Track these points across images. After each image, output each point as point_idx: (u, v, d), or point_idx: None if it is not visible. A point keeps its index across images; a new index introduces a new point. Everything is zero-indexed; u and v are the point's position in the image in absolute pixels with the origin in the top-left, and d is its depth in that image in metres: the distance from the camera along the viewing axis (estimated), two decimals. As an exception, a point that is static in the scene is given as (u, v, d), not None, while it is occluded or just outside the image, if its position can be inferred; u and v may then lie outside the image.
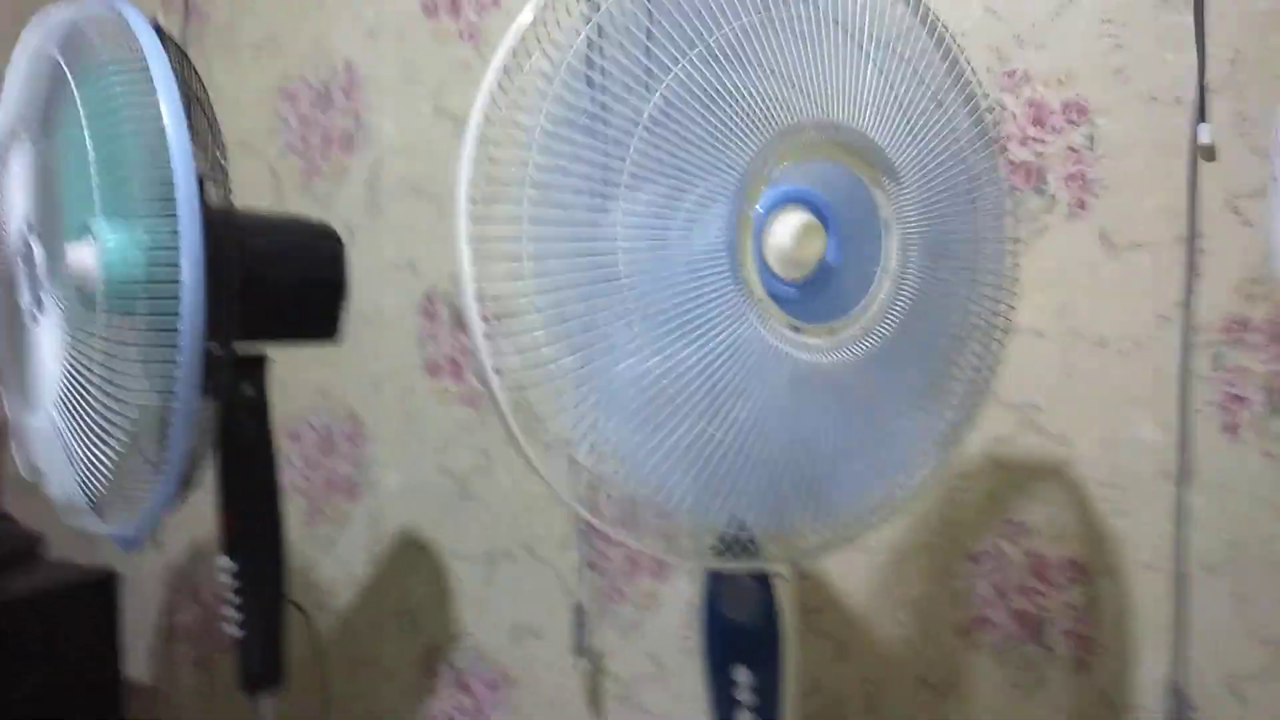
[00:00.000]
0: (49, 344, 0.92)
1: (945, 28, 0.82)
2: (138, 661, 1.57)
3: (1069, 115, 1.10)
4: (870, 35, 0.78)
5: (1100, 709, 1.12)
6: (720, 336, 0.74)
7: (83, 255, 0.86)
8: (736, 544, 0.82)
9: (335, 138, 1.43)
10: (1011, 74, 1.11)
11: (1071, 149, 1.10)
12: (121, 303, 0.84)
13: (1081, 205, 1.10)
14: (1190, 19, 1.05)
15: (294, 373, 1.42)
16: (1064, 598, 1.13)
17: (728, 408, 0.76)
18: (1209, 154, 1.04)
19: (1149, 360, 1.09)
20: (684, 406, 0.76)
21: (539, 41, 0.78)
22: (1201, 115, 1.04)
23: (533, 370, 0.78)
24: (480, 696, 1.36)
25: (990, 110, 0.82)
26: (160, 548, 1.56)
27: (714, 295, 0.74)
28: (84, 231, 0.86)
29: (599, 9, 0.77)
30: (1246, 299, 1.04)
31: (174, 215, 0.81)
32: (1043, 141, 1.10)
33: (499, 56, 0.79)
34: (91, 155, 0.84)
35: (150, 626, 1.58)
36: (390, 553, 1.41)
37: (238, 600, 1.05)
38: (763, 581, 0.86)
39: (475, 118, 0.80)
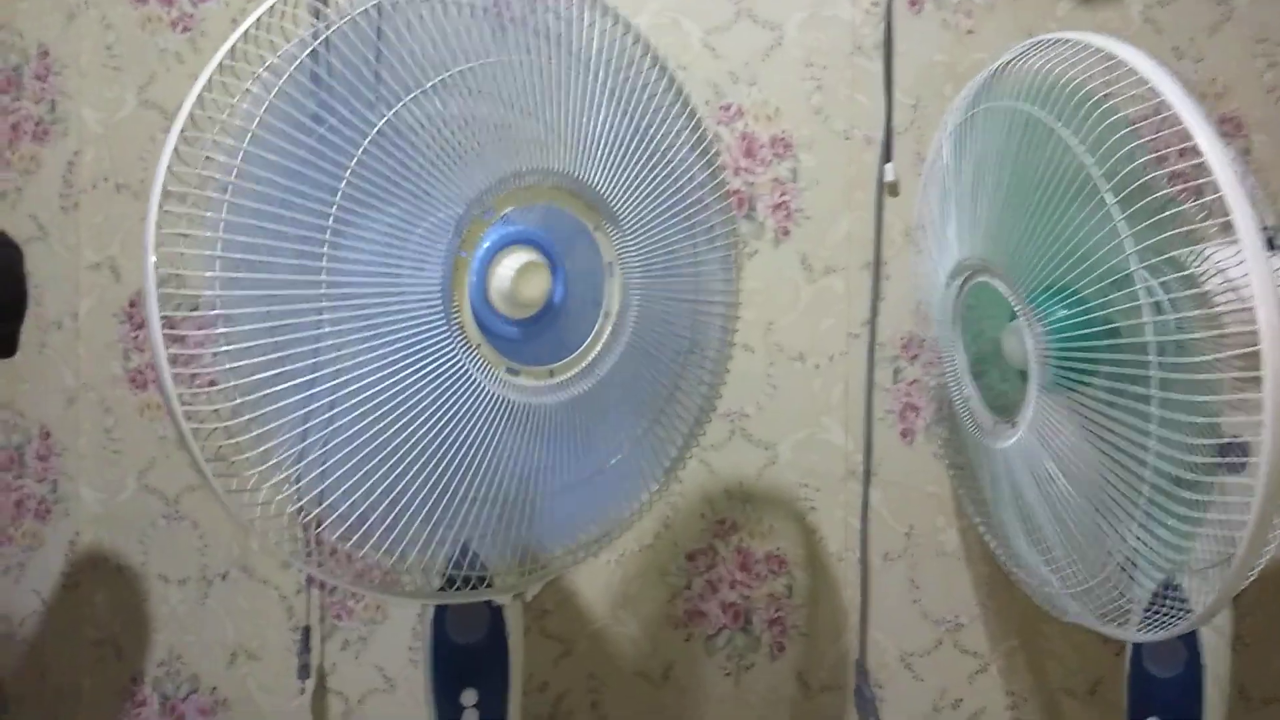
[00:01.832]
0: None
1: (675, 77, 0.83)
2: None
3: (776, 149, 1.16)
4: (605, 83, 0.79)
5: (797, 689, 1.19)
6: (429, 380, 0.73)
7: None
8: (464, 578, 0.81)
9: (26, 126, 1.26)
10: (727, 108, 1.16)
11: (777, 180, 1.16)
12: None
13: (785, 232, 1.16)
14: (880, 66, 1.14)
15: (-28, 384, 1.25)
16: (767, 589, 1.19)
17: (442, 449, 0.74)
18: (893, 190, 1.13)
19: (840, 373, 1.17)
20: (395, 445, 0.74)
21: (266, 40, 0.73)
22: (887, 155, 1.13)
23: (230, 386, 0.72)
24: (194, 723, 1.26)
25: (718, 154, 0.84)
26: None
27: (424, 337, 0.72)
28: None
29: (330, 22, 0.72)
30: (921, 320, 1.14)
31: None
32: (753, 172, 1.16)
33: (223, 49, 0.73)
34: None
35: None
36: (88, 577, 1.27)
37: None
38: (492, 604, 0.85)
39: (185, 108, 0.73)
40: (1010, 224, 0.74)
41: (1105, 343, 0.69)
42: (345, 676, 1.22)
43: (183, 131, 0.73)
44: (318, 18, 0.77)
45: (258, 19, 0.75)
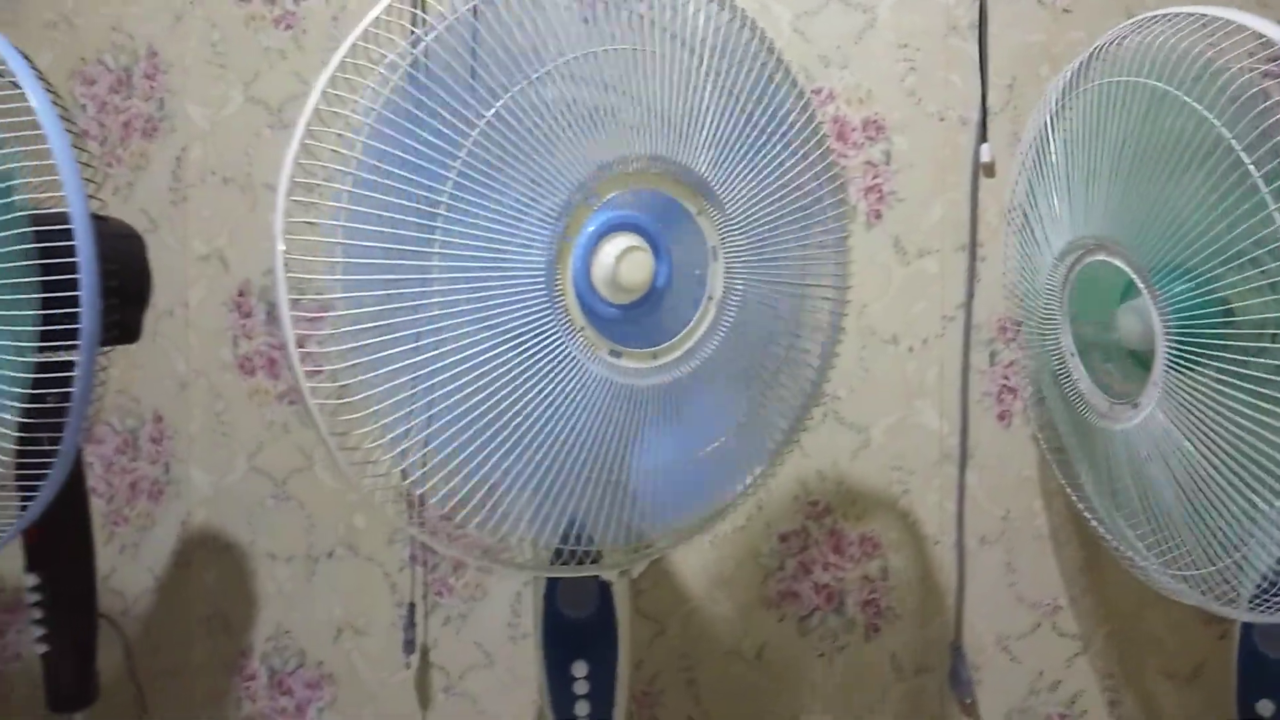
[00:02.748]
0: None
1: (783, 58, 0.84)
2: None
3: (868, 132, 1.16)
4: (709, 66, 0.80)
5: (890, 670, 1.19)
6: (534, 360, 0.75)
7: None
8: (574, 553, 0.83)
9: (136, 124, 1.31)
10: (818, 92, 1.16)
11: (870, 163, 1.16)
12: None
13: (878, 215, 1.16)
14: (974, 47, 1.13)
15: (92, 370, 1.30)
16: (860, 570, 1.20)
17: (545, 427, 0.76)
18: (989, 171, 1.13)
19: (935, 356, 1.17)
20: (501, 423, 0.76)
21: (385, 39, 0.75)
22: (983, 135, 1.13)
23: (348, 371, 0.76)
24: (301, 697, 1.30)
25: (826, 135, 0.84)
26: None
27: (529, 320, 0.75)
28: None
29: (443, 18, 0.75)
30: (1017, 302, 1.13)
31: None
32: (845, 156, 1.16)
33: (343, 47, 0.76)
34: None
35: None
36: (199, 555, 1.32)
37: (43, 616, 0.96)
38: (601, 579, 0.87)
39: (310, 105, 0.76)
40: (1134, 200, 0.73)
41: (1228, 320, 0.69)
42: (446, 652, 1.26)
43: (308, 126, 0.76)
44: (424, 13, 0.79)
45: (375, 18, 0.77)
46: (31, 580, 0.95)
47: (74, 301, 0.76)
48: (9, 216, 0.75)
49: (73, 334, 0.76)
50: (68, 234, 0.77)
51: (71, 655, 0.98)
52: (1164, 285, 0.73)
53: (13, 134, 0.78)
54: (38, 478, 0.82)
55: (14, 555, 0.98)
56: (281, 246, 0.75)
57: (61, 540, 0.93)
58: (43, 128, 0.78)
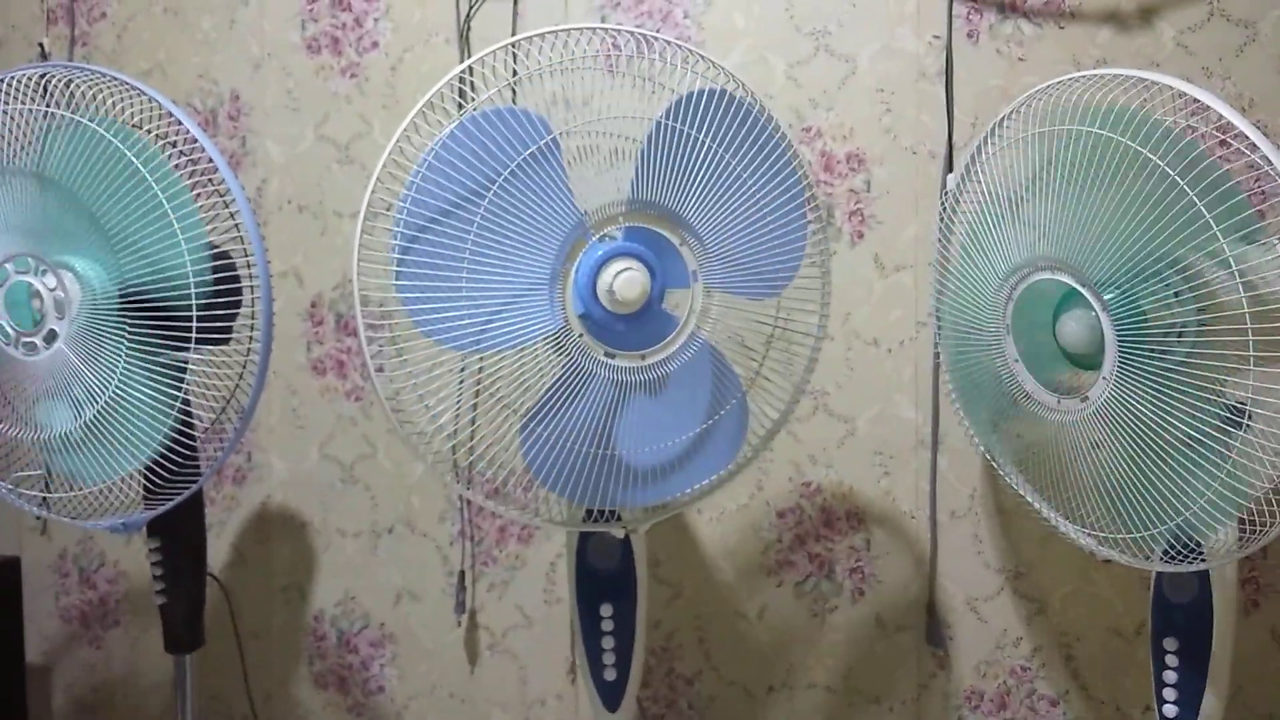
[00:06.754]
0: (53, 368, 1.04)
1: (765, 110, 1.00)
2: (32, 644, 1.59)
3: (851, 164, 1.33)
4: (699, 121, 0.96)
5: (875, 628, 1.36)
6: (546, 363, 0.95)
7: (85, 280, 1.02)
8: (600, 512, 1.00)
9: (222, 159, 1.50)
10: (808, 130, 1.33)
11: (853, 191, 1.33)
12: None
13: (860, 235, 1.33)
14: (942, 91, 1.30)
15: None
16: (848, 543, 1.36)
17: (561, 414, 0.95)
18: (954, 197, 1.29)
19: (910, 357, 1.33)
20: (523, 412, 0.95)
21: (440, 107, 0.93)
22: (949, 166, 1.29)
23: (402, 369, 0.95)
24: (365, 654, 1.48)
25: (807, 177, 1.00)
26: (49, 536, 1.59)
27: (536, 329, 0.95)
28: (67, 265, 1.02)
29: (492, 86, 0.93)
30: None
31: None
32: (831, 185, 1.33)
33: (413, 111, 0.94)
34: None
35: (43, 610, 1.60)
36: (277, 532, 1.50)
37: (161, 574, 1.14)
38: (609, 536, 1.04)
39: (384, 157, 0.95)
40: (1083, 226, 0.88)
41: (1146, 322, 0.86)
42: (491, 614, 1.43)
43: (379, 174, 0.94)
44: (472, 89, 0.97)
45: (439, 90, 0.95)
46: (153, 543, 1.13)
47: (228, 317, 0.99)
48: (204, 254, 0.98)
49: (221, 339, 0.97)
50: (230, 267, 1.00)
51: (184, 606, 1.15)
52: (1111, 295, 0.88)
53: (201, 190, 0.98)
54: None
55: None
56: (355, 267, 0.94)
57: (179, 509, 1.10)
58: (236, 200, 1.03)
